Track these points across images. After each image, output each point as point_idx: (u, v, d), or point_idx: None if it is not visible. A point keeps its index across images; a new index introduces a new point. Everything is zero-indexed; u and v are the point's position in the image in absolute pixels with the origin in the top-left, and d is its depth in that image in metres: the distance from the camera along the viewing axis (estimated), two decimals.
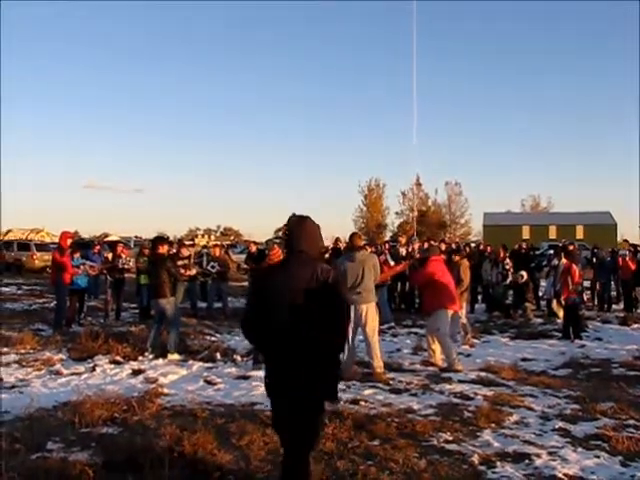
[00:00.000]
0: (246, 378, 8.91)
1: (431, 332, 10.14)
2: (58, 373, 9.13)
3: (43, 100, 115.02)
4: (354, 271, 9.04)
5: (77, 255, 14.55)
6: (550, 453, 5.88)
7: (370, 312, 9.12)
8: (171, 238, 23.01)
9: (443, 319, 10.01)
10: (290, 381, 4.16)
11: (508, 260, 16.57)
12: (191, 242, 20.11)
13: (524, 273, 16.16)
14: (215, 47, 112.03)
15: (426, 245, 17.13)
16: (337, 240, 20.53)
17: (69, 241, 14.01)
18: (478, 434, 6.42)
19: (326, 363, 4.21)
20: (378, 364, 9.09)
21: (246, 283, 20.30)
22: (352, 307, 8.21)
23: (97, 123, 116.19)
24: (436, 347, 10.03)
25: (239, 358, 10.25)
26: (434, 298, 10.17)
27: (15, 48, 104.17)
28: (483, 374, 9.24)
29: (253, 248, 18.60)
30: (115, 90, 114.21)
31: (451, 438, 6.27)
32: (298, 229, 4.44)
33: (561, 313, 14.07)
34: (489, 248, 19.84)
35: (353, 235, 9.77)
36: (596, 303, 18.64)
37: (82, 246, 19.29)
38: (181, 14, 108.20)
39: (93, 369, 9.35)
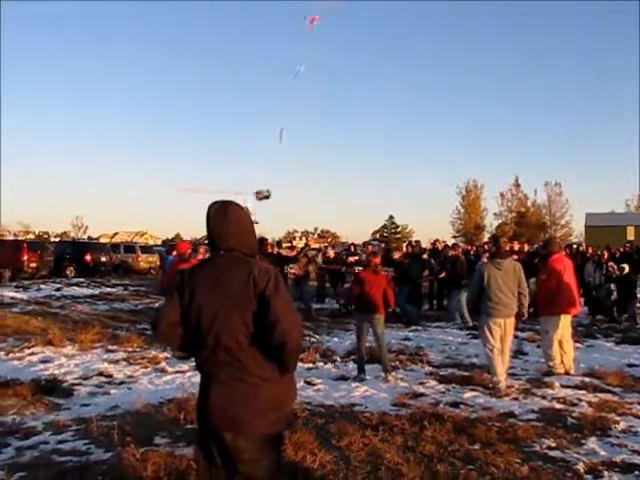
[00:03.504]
0: (345, 379, 8.99)
1: (548, 337, 9.51)
2: (163, 371, 9.44)
3: (147, 103, 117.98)
4: (501, 281, 8.34)
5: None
6: None
7: (512, 325, 8.57)
8: (269, 240, 23.27)
9: (554, 323, 9.44)
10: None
11: (612, 262, 16.15)
12: (289, 244, 20.36)
13: (626, 266, 15.61)
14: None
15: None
16: (436, 241, 20.49)
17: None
18: (583, 442, 6.24)
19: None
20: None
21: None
22: (494, 320, 8.39)
23: (197, 126, 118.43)
24: (557, 353, 9.48)
25: (339, 359, 10.32)
26: (553, 300, 9.46)
27: (124, 51, 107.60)
28: (587, 379, 8.98)
29: (331, 253, 18.86)
30: (214, 95, 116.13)
31: (554, 445, 6.12)
32: (221, 220, 3.41)
33: None
34: (590, 249, 19.44)
35: (498, 238, 9.11)
36: None
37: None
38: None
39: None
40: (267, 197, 12.13)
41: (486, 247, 18.85)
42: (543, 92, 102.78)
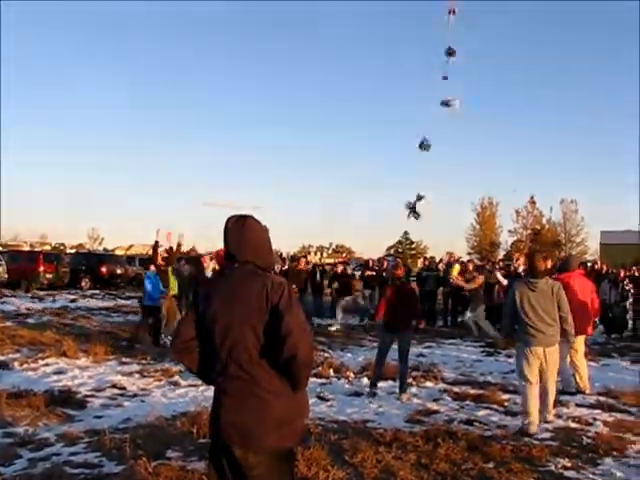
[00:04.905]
0: (359, 395, 8.96)
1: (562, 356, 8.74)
2: (177, 384, 9.43)
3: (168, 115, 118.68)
4: (536, 303, 7.36)
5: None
6: None
7: (555, 355, 7.52)
8: (284, 255, 23.35)
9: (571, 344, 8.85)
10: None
11: (628, 281, 16.08)
12: (304, 259, 20.40)
13: None
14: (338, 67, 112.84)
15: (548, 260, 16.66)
16: (451, 255, 20.50)
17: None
18: (599, 462, 6.17)
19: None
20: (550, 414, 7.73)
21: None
22: (533, 349, 7.35)
23: (219, 140, 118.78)
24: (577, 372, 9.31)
25: (352, 375, 10.27)
26: (575, 320, 8.13)
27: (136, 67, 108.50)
28: (602, 399, 8.89)
29: (340, 268, 18.96)
30: (232, 112, 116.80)
31: (570, 464, 6.05)
32: (239, 233, 3.47)
33: None
34: (605, 267, 19.44)
35: (534, 255, 7.88)
36: None
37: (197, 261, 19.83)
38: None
39: None
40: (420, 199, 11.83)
41: (501, 263, 18.89)
42: (560, 109, 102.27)
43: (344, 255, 67.83)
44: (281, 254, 22.37)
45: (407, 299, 9.13)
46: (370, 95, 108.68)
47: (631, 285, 16.08)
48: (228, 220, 3.51)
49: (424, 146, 10.36)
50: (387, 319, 9.16)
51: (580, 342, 9.42)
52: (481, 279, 15.77)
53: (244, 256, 3.43)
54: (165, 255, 14.01)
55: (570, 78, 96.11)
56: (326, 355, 12.30)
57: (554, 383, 7.66)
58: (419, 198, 11.70)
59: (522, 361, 7.46)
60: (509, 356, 12.61)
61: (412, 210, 11.81)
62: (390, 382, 9.29)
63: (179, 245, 14.45)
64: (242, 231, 3.46)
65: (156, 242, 13.95)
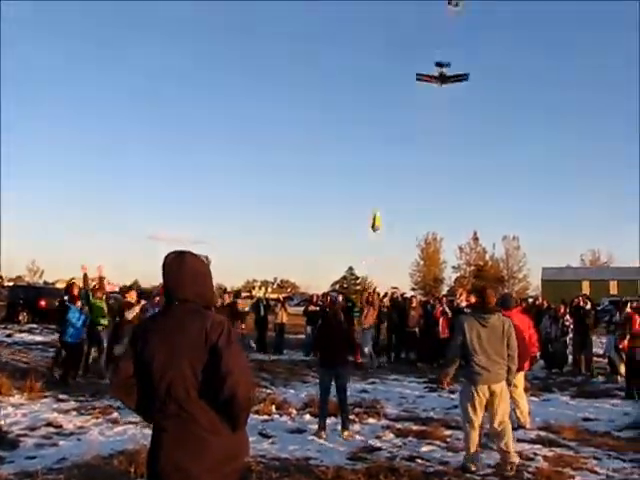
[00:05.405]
0: (301, 432, 8.87)
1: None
2: (115, 422, 9.20)
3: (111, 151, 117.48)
4: (486, 340, 7.10)
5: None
6: None
7: (505, 392, 7.28)
8: (228, 289, 23.20)
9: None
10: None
11: (568, 316, 16.44)
12: (248, 294, 20.31)
13: None
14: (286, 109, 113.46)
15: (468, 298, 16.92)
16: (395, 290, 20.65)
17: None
18: None
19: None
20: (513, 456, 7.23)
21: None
22: (479, 387, 7.09)
23: (164, 175, 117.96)
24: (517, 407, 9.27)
25: (294, 411, 10.17)
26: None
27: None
28: (543, 433, 8.98)
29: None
30: (172, 147, 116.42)
31: None
32: (177, 270, 3.36)
33: (623, 370, 13.68)
34: (545, 303, 19.89)
35: (486, 290, 7.56)
36: None
37: (142, 296, 19.53)
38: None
39: None
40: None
41: (444, 299, 19.07)
42: (502, 148, 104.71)
43: (289, 290, 67.65)
44: (225, 289, 22.20)
45: (342, 335, 9.09)
46: (310, 132, 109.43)
47: (571, 320, 16.42)
48: (166, 257, 3.42)
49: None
50: (323, 355, 9.13)
51: (520, 378, 9.50)
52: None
53: (183, 294, 3.35)
54: (97, 286, 13.93)
55: (512, 114, 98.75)
56: (269, 391, 12.17)
57: (507, 421, 7.30)
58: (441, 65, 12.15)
59: (466, 399, 7.26)
60: (452, 392, 12.64)
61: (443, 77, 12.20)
62: (332, 418, 9.21)
63: (101, 277, 14.42)
64: (180, 268, 3.37)
65: (101, 278, 13.99)
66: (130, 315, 13.27)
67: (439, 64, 10.97)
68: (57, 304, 14.79)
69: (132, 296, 14.19)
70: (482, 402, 7.11)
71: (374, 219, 13.81)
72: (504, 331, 7.16)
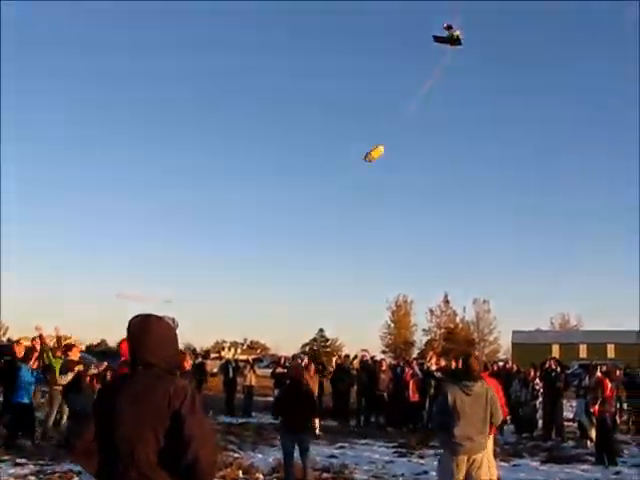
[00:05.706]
0: None
1: None
2: None
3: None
4: (469, 409, 6.81)
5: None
6: None
7: (486, 462, 6.98)
8: (198, 350, 23.01)
9: None
10: None
11: (538, 380, 16.47)
12: (217, 355, 20.13)
13: None
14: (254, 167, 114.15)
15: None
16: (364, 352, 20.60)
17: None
18: None
19: None
20: None
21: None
22: (459, 457, 6.79)
23: (134, 232, 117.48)
24: None
25: (261, 476, 9.96)
26: None
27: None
28: None
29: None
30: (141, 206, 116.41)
31: None
32: (141, 335, 3.31)
33: (593, 434, 13.62)
34: (515, 366, 19.96)
35: (470, 357, 7.31)
36: (631, 426, 18.00)
37: (109, 356, 19.28)
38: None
39: None
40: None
41: (414, 363, 19.03)
42: (473, 210, 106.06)
43: (258, 351, 67.12)
44: (194, 349, 22.00)
45: (304, 399, 8.97)
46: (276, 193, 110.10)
47: (541, 384, 16.43)
48: (131, 321, 3.37)
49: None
50: (285, 419, 9.01)
51: (489, 442, 9.40)
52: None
53: (148, 358, 3.29)
54: (56, 345, 13.65)
55: (481, 173, 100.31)
56: (236, 455, 11.90)
57: None
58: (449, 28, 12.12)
59: (442, 471, 7.04)
60: (421, 457, 12.53)
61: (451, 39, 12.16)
62: None
63: (59, 337, 14.23)
64: (145, 333, 3.32)
65: (59, 337, 13.81)
66: (63, 381, 12.38)
67: (449, 27, 11.27)
68: (2, 362, 14.06)
69: (75, 354, 13.10)
70: (462, 473, 6.77)
71: (375, 150, 13.39)
72: (487, 399, 6.90)
